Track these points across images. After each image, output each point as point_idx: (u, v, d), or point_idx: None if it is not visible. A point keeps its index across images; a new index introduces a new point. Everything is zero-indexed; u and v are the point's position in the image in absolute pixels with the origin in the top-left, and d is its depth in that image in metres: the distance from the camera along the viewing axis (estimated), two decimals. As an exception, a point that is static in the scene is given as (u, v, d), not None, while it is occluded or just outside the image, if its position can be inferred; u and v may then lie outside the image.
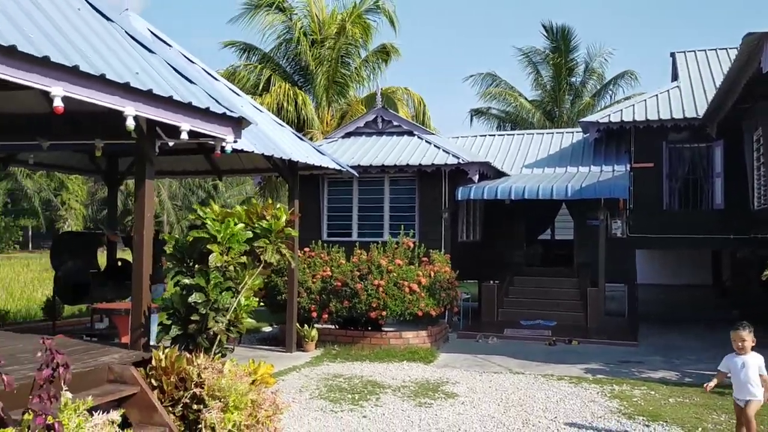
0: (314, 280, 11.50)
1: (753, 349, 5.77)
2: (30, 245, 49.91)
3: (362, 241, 13.16)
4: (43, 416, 3.59)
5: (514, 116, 30.76)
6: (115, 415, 4.25)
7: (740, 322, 5.83)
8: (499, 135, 18.37)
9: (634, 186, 13.98)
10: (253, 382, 5.62)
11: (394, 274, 11.03)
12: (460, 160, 12.79)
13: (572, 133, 17.26)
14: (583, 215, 14.64)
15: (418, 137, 14.25)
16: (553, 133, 17.72)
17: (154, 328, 6.70)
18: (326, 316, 11.35)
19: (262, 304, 10.99)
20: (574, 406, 7.64)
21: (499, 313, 14.06)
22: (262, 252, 5.98)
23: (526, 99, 30.74)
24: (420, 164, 12.97)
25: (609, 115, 14.41)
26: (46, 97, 4.48)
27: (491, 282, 14.18)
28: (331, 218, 14.31)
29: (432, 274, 11.33)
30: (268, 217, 6.08)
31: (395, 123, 14.79)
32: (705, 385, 6.03)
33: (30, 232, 49.98)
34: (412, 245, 11.95)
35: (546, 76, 30.23)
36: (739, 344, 5.70)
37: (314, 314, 11.35)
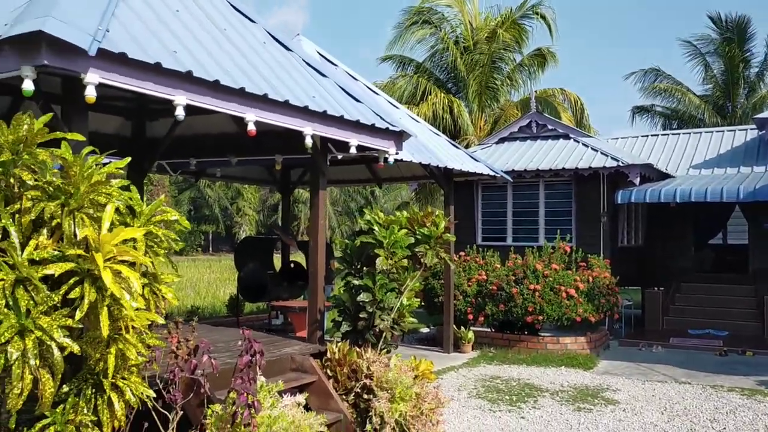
0: (470, 283, 11.80)
1: None
2: (210, 248, 54.96)
3: (517, 246, 13.25)
4: (245, 395, 4.24)
5: (681, 113, 28.87)
6: (301, 399, 4.86)
7: None
8: (662, 135, 17.51)
9: (819, 186, 12.74)
10: (416, 377, 6.07)
11: (551, 279, 11.04)
12: (620, 163, 12.47)
13: (745, 130, 16.01)
14: (759, 218, 13.59)
15: (575, 140, 14.05)
16: (723, 130, 16.56)
17: (326, 324, 7.38)
18: (482, 318, 11.60)
19: (421, 305, 11.50)
20: (745, 418, 7.28)
21: (664, 321, 13.46)
22: (422, 256, 6.41)
23: (694, 94, 28.77)
24: (576, 168, 12.80)
25: (789, 110, 13.27)
26: (236, 119, 5.22)
27: (655, 288, 13.61)
28: (486, 223, 14.51)
29: (590, 279, 11.19)
30: (428, 224, 6.51)
31: (550, 127, 14.68)
32: None
33: (210, 237, 55.03)
34: (568, 250, 11.87)
35: (717, 69, 28.11)
36: None
37: (470, 317, 11.65)
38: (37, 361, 2.98)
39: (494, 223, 14.40)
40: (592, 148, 13.40)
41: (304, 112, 5.51)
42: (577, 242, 12.86)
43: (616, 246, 13.44)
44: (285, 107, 5.32)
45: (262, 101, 5.11)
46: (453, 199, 11.54)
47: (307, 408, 5.45)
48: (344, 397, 5.79)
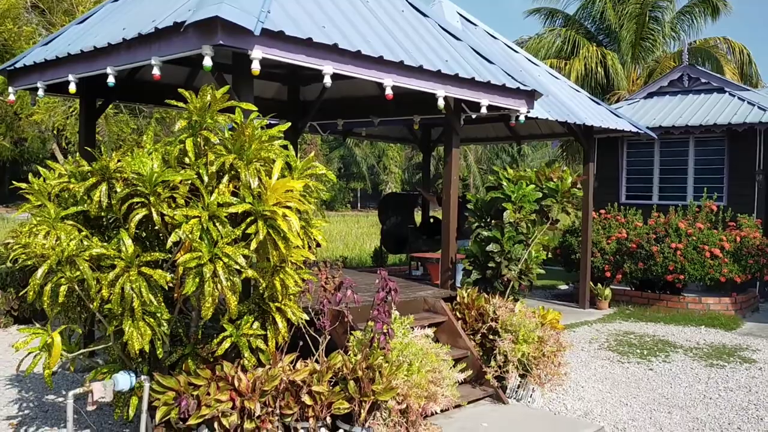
0: (609, 241, 11.79)
1: None
2: (359, 205, 57.45)
3: (661, 204, 12.91)
4: (381, 324, 4.94)
5: None
6: (429, 332, 5.50)
7: None
8: (838, 85, 15.91)
9: None
10: (542, 324, 6.48)
11: (694, 238, 10.78)
12: (778, 117, 11.70)
13: None
14: None
15: (730, 94, 13.28)
16: None
17: (459, 275, 7.95)
18: (620, 276, 11.59)
19: (550, 258, 11.70)
20: None
21: (827, 287, 12.59)
22: (549, 210, 6.75)
23: None
24: (730, 123, 12.16)
25: None
26: (377, 84, 5.82)
27: (818, 252, 12.71)
28: (630, 180, 14.20)
29: (738, 239, 10.77)
30: (554, 179, 6.80)
31: (703, 80, 13.94)
32: None
33: (359, 194, 57.46)
34: (715, 209, 11.46)
35: None
36: None
37: (608, 274, 11.68)
38: (228, 283, 3.82)
39: (639, 181, 14.07)
40: (748, 102, 12.64)
41: (437, 76, 6.00)
42: (729, 201, 12.32)
43: (774, 205, 12.67)
44: (419, 72, 5.84)
45: (399, 67, 5.67)
46: (594, 156, 11.53)
47: (435, 341, 6.10)
48: (471, 336, 6.35)
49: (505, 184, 6.73)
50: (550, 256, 11.45)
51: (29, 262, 3.97)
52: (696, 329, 9.87)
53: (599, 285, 11.53)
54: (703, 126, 12.54)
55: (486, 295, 6.65)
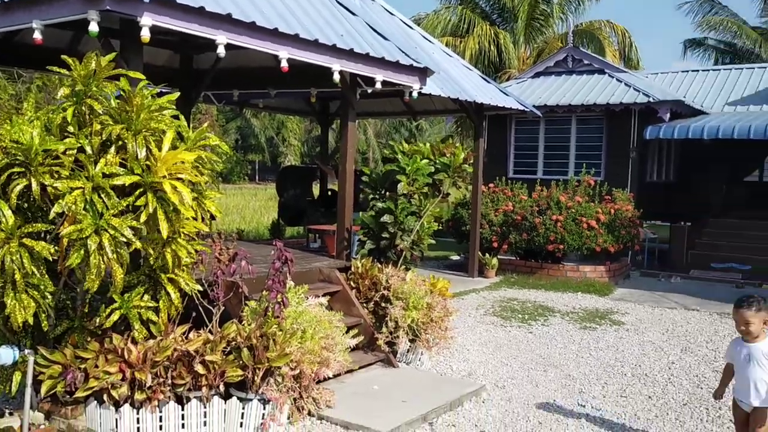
0: (496, 213, 12.39)
1: None
2: (257, 177, 56.48)
3: (546, 179, 13.69)
4: (275, 293, 5.03)
5: (738, 47, 27.98)
6: (323, 300, 5.66)
7: (747, 296, 4.07)
8: (702, 71, 17.34)
9: None
10: (431, 292, 6.80)
11: (573, 210, 11.54)
12: (650, 99, 12.65)
13: (790, 66, 15.78)
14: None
15: (609, 75, 14.18)
16: (765, 67, 16.32)
17: (355, 246, 8.14)
18: (506, 247, 12.24)
19: (442, 230, 12.08)
20: (738, 341, 7.83)
21: (689, 255, 13.83)
22: (441, 184, 7.05)
23: (750, 27, 27.75)
24: (608, 103, 13.04)
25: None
26: (274, 56, 5.82)
27: (682, 223, 13.94)
28: (518, 156, 14.92)
29: (612, 211, 11.64)
30: (448, 154, 7.10)
31: (586, 61, 14.79)
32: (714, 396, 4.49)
33: (257, 166, 56.44)
34: (593, 183, 12.30)
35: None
36: (743, 328, 4.03)
37: (495, 245, 12.29)
38: (115, 255, 3.78)
39: (526, 157, 14.81)
40: (625, 84, 13.56)
41: (333, 50, 6.08)
42: (606, 176, 13.25)
43: (645, 181, 13.76)
44: (315, 45, 5.89)
45: (294, 40, 5.69)
46: (484, 133, 12.01)
47: (330, 310, 6.27)
48: (365, 305, 6.57)
49: (400, 157, 6.95)
50: (441, 227, 11.90)
51: None
52: (573, 295, 10.63)
53: (487, 255, 12.12)
54: (584, 105, 13.36)
55: (380, 265, 6.88)
